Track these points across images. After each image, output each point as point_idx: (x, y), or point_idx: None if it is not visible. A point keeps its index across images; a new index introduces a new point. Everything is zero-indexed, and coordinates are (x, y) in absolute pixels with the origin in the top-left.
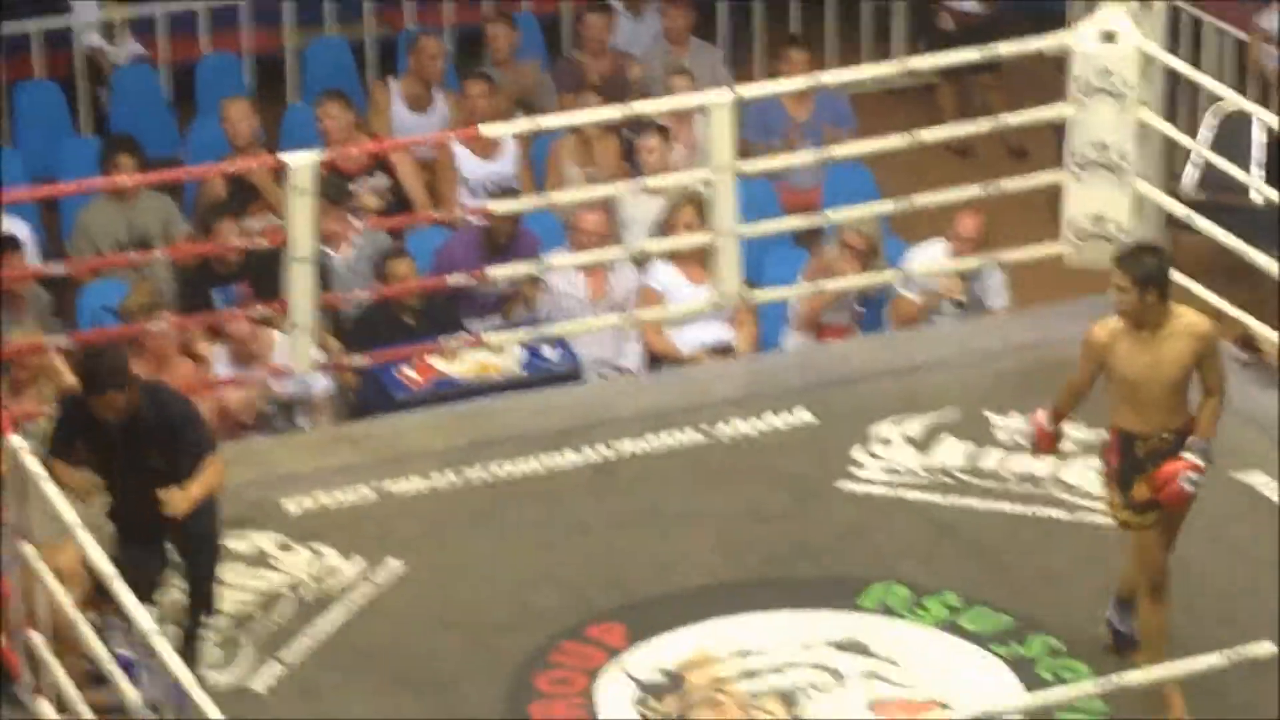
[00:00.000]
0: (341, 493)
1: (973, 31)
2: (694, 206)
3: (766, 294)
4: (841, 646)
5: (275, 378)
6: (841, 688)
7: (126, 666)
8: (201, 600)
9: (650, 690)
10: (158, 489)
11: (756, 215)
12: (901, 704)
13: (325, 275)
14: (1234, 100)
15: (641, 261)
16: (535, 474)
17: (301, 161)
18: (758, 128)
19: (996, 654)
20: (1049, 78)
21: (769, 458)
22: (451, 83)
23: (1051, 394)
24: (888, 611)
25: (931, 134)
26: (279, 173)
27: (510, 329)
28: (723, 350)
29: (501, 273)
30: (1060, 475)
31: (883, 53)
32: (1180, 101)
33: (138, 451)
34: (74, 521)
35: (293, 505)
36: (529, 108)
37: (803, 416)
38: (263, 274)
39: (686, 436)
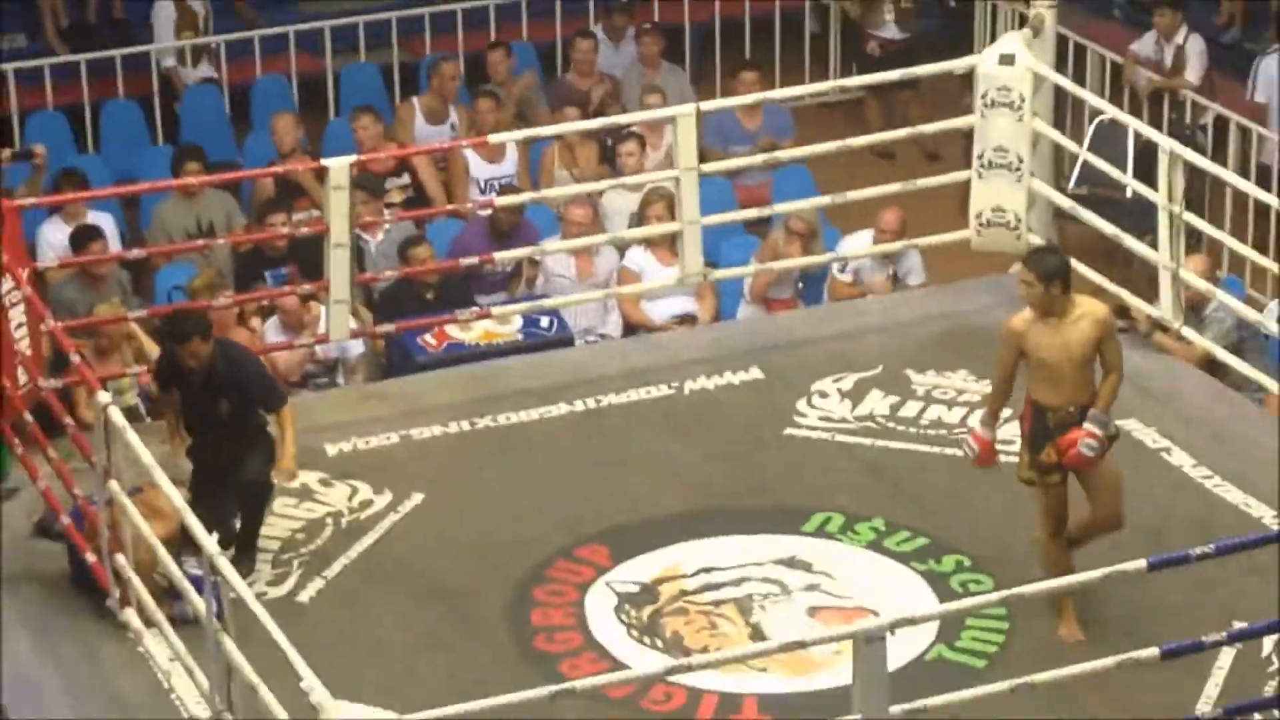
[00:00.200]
0: (373, 438)
1: (894, 55)
2: (664, 201)
3: (724, 273)
4: (787, 564)
5: (318, 344)
6: (787, 598)
7: (196, 583)
8: (253, 529)
9: (629, 600)
10: (225, 434)
11: (715, 208)
12: (837, 611)
13: (361, 258)
14: (1111, 112)
15: (621, 247)
16: (533, 422)
17: (339, 164)
18: (716, 136)
19: (916, 570)
20: (958, 93)
21: (727, 409)
22: (463, 99)
23: (959, 354)
24: (825, 535)
25: (860, 141)
26: (320, 174)
27: (512, 303)
28: (688, 320)
29: (505, 256)
30: (967, 423)
31: (820, 73)
32: (1066, 113)
33: (212, 401)
34: (152, 464)
35: (332, 449)
36: (527, 120)
37: (754, 374)
38: (307, 257)
39: (658, 391)
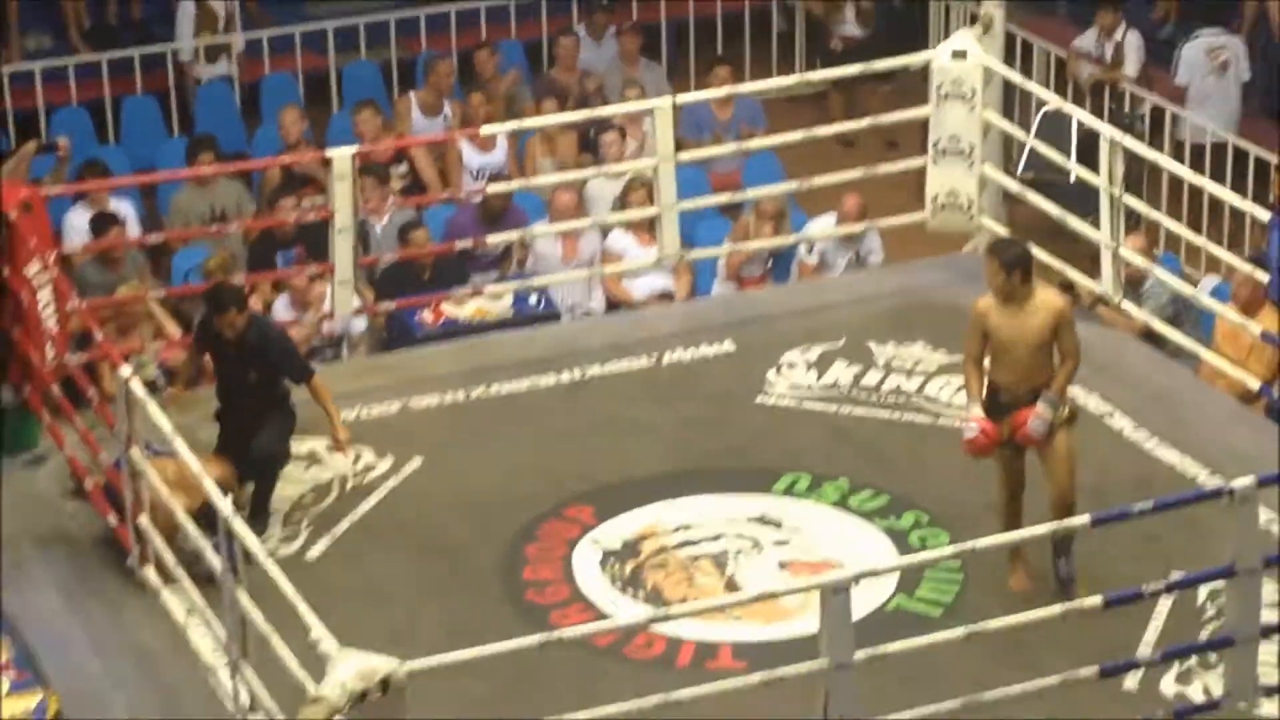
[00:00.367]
0: (375, 407)
1: (856, 51)
2: (643, 187)
3: (699, 253)
4: (759, 521)
5: (324, 320)
6: (759, 552)
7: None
8: (264, 494)
9: (613, 555)
10: (251, 402)
11: (691, 193)
12: (805, 564)
13: (368, 239)
14: (1056, 102)
15: (604, 230)
16: (523, 392)
17: (342, 155)
18: (691, 126)
19: (878, 526)
20: (914, 86)
21: (702, 378)
22: (457, 93)
23: (917, 327)
24: (794, 494)
25: (825, 130)
26: (326, 164)
27: (503, 282)
28: (666, 296)
29: (496, 239)
30: (924, 390)
31: (787, 68)
32: (1014, 103)
33: (242, 369)
34: (172, 433)
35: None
36: (515, 113)
37: (727, 347)
38: (313, 240)
39: (639, 362)
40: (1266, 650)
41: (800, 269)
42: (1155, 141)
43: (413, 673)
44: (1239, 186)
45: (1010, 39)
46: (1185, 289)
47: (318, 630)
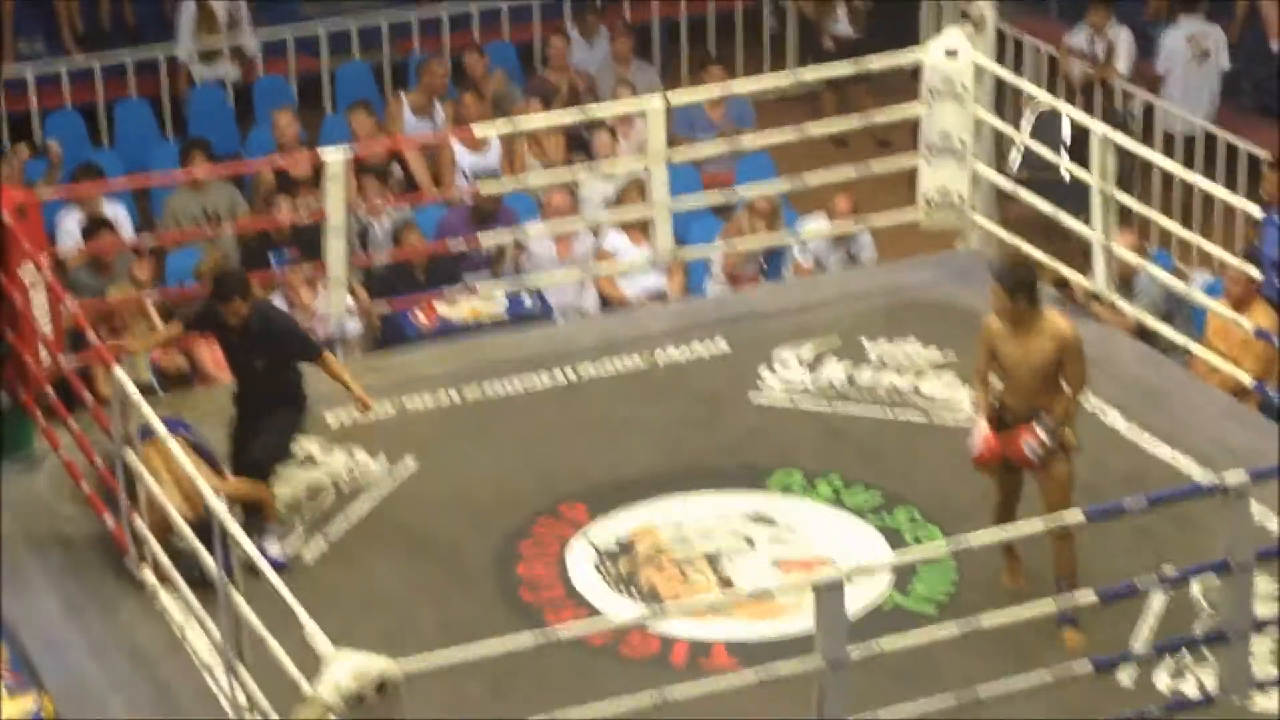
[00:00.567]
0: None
1: (847, 50)
2: (636, 187)
3: (692, 252)
4: (753, 519)
5: (317, 320)
6: (753, 550)
7: (275, 564)
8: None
9: (607, 554)
10: (261, 389)
11: (683, 192)
12: (799, 562)
13: (367, 238)
14: (1047, 100)
15: (597, 229)
16: (516, 392)
17: (335, 156)
18: (684, 126)
19: (870, 522)
20: (906, 84)
21: (695, 377)
22: (451, 94)
23: (908, 324)
24: (787, 491)
25: (817, 129)
26: (319, 166)
27: (496, 281)
28: (659, 295)
29: (489, 239)
30: (918, 387)
31: (779, 68)
32: (1006, 101)
33: (249, 357)
34: (163, 431)
35: (332, 418)
36: (505, 114)
37: (720, 345)
38: (307, 241)
39: (632, 361)
40: (1260, 644)
41: (795, 270)
42: (1147, 138)
43: (408, 673)
44: (1231, 183)
45: (1001, 37)
46: (1177, 285)
47: (312, 630)
